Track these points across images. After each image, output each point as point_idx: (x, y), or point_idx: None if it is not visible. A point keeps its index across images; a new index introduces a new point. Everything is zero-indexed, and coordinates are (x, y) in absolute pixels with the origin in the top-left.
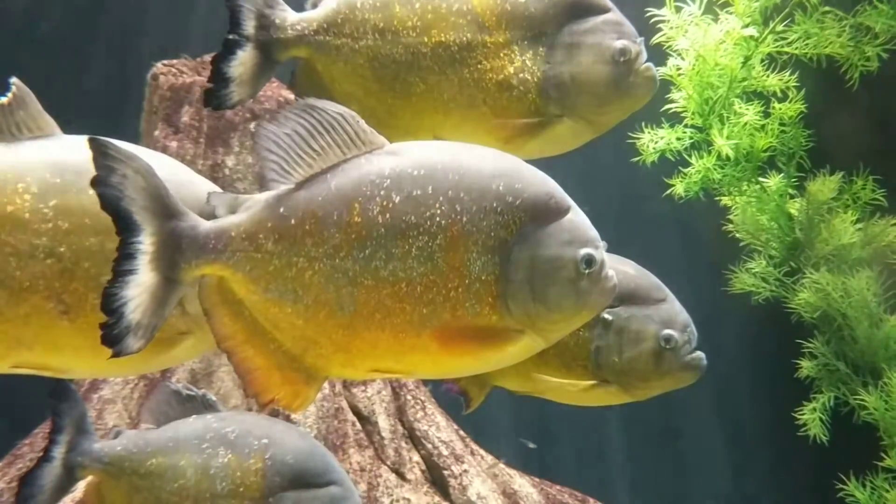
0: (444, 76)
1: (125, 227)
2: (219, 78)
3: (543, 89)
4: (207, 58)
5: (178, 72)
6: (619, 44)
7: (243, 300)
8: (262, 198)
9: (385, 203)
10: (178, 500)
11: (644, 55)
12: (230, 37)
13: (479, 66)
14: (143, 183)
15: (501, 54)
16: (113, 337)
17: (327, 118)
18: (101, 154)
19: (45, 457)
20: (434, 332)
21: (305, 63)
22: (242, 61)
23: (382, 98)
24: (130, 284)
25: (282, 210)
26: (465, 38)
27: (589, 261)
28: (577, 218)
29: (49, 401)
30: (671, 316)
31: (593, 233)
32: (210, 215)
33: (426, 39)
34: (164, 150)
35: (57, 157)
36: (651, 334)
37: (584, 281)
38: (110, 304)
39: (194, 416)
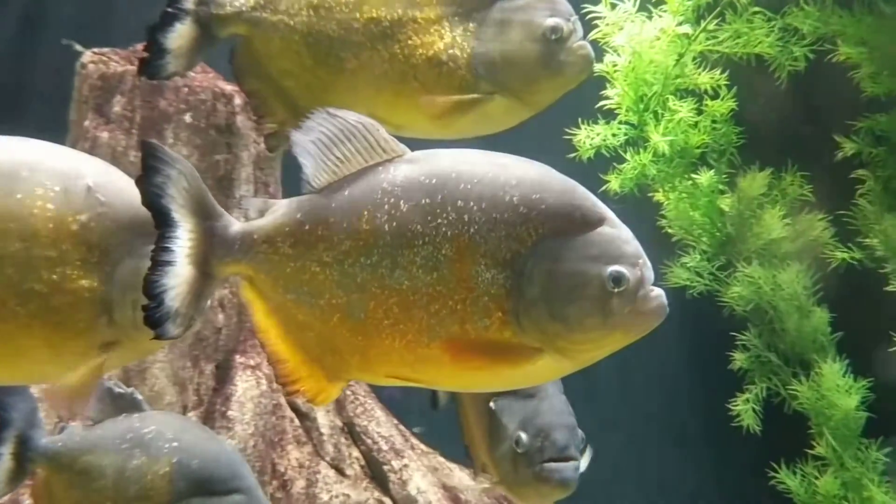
0: (375, 52)
1: (162, 222)
2: (155, 48)
3: (473, 66)
4: (140, 47)
5: (108, 60)
6: (550, 21)
7: (270, 299)
8: (286, 203)
9: (393, 211)
10: (100, 499)
11: (579, 33)
12: (169, 9)
13: (409, 42)
14: (185, 184)
15: (432, 30)
16: (154, 321)
17: (348, 126)
18: (150, 156)
19: None
20: (443, 344)
21: (244, 40)
22: (181, 34)
23: (317, 74)
24: (169, 274)
25: (299, 215)
26: (395, 14)
27: (617, 279)
28: (612, 232)
29: None
30: (527, 417)
31: (631, 248)
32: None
33: (358, 15)
34: (95, 140)
35: None
36: (509, 434)
37: (613, 300)
38: (151, 290)
39: (125, 414)
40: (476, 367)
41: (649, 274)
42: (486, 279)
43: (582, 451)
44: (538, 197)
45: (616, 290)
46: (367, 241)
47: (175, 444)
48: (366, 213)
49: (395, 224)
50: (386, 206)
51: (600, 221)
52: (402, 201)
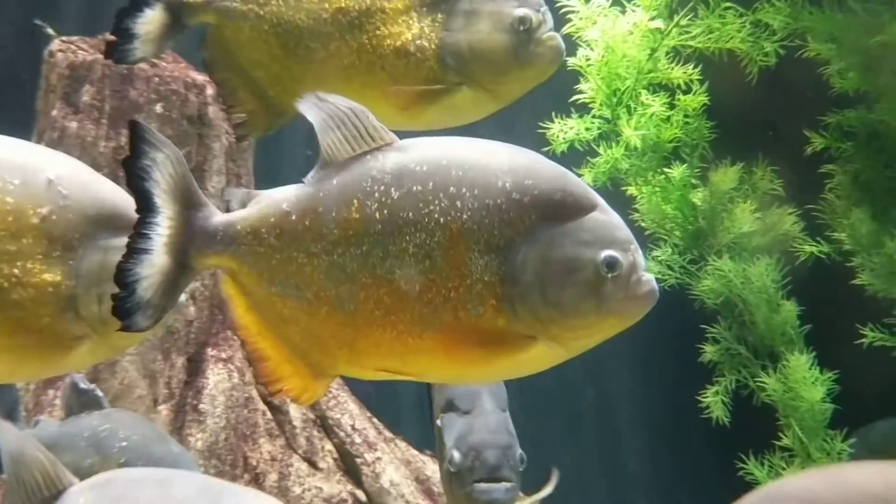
0: (343, 42)
1: (143, 207)
2: (123, 33)
3: (441, 56)
4: (110, 36)
5: (77, 49)
6: (518, 12)
7: (252, 293)
8: (271, 193)
9: (384, 199)
10: None
11: (549, 24)
12: None
13: (377, 33)
14: (171, 170)
15: (400, 20)
16: (124, 311)
17: (338, 113)
18: (139, 137)
19: None
20: (436, 334)
21: (215, 29)
22: (150, 20)
23: (287, 64)
24: (144, 263)
25: (285, 206)
26: (364, 4)
27: (611, 263)
28: (604, 217)
29: None
30: (461, 434)
31: (622, 234)
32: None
33: (327, 5)
34: (63, 130)
35: None
36: (446, 452)
37: (607, 285)
38: (123, 279)
39: (86, 411)
40: (469, 358)
41: (641, 259)
42: (480, 266)
43: (520, 470)
44: (531, 183)
45: (610, 274)
46: (357, 231)
47: (124, 444)
48: (356, 201)
49: (386, 212)
50: (377, 195)
51: (592, 207)
52: (392, 189)
